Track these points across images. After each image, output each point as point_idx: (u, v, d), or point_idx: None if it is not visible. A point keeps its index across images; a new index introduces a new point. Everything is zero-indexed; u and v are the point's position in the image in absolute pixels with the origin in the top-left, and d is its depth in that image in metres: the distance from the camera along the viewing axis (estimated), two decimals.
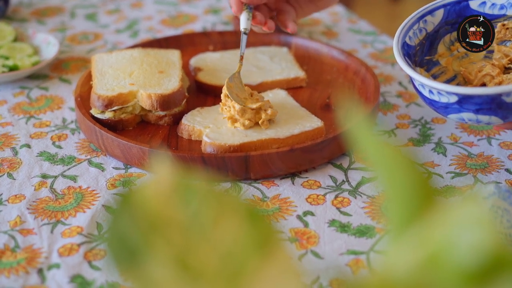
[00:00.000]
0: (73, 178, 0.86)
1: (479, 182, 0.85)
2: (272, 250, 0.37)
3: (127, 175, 0.87)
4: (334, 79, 1.07)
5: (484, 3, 0.87)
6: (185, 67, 1.08)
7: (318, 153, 0.87)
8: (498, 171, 0.87)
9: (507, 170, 0.87)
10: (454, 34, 0.89)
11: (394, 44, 0.82)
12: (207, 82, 1.03)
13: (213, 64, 1.08)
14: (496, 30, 0.86)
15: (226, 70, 1.06)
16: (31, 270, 0.71)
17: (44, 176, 0.86)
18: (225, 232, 0.36)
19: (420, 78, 0.78)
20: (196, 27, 1.32)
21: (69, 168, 0.88)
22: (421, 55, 0.87)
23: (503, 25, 0.86)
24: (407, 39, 0.84)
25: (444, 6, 0.88)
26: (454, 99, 0.76)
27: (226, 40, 1.18)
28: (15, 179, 0.86)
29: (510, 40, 0.87)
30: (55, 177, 0.86)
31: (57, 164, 0.89)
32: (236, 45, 1.17)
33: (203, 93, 1.03)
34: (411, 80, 0.82)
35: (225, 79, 1.03)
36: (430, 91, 0.78)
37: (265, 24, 0.96)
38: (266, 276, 0.36)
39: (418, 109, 1.02)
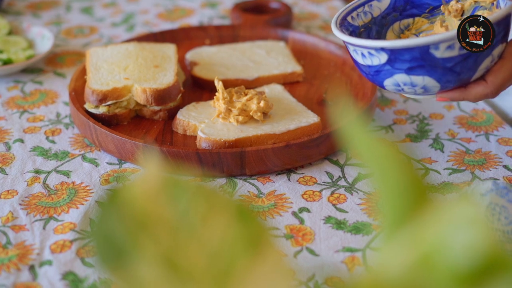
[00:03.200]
0: (67, 174, 0.85)
1: (477, 179, 0.84)
2: (263, 248, 0.36)
3: (121, 170, 0.86)
4: (331, 74, 1.06)
5: None
6: (181, 62, 1.07)
7: (314, 149, 0.86)
8: (496, 168, 0.86)
9: (505, 166, 0.87)
10: (404, 22, 0.88)
11: (333, 18, 0.82)
12: (203, 76, 1.02)
13: (209, 59, 1.07)
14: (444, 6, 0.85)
15: (222, 64, 1.05)
16: (22, 267, 0.70)
17: (37, 172, 0.85)
18: (214, 230, 0.35)
19: (348, 39, 0.77)
20: (193, 21, 1.31)
21: (62, 163, 0.87)
22: (367, 38, 0.85)
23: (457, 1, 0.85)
24: (348, 18, 0.83)
25: None
26: (384, 58, 0.75)
27: (223, 34, 1.17)
28: (7, 174, 0.85)
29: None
30: (48, 172, 0.85)
31: (50, 159, 0.88)
32: (232, 39, 1.16)
33: (199, 88, 1.02)
34: (350, 55, 0.81)
35: (221, 73, 1.02)
36: (363, 55, 0.77)
37: None
38: (256, 275, 0.35)
39: (416, 104, 1.01)
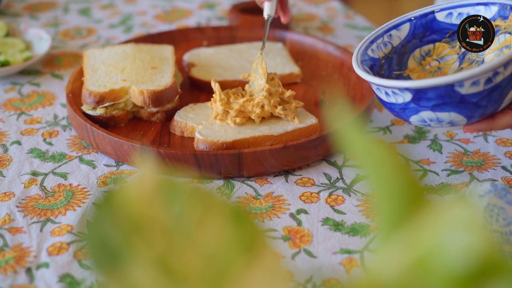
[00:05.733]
0: (64, 176, 0.85)
1: (475, 180, 0.84)
2: (258, 251, 0.36)
3: (118, 172, 0.86)
4: (329, 75, 1.06)
5: (450, 14, 0.86)
6: (179, 63, 1.06)
7: (312, 150, 0.86)
8: (494, 169, 0.86)
9: (503, 167, 0.86)
10: (425, 48, 0.88)
11: (354, 54, 0.82)
12: (201, 78, 1.02)
13: (207, 60, 1.07)
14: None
15: (220, 65, 1.05)
16: (19, 269, 0.70)
17: (35, 174, 0.85)
18: (209, 233, 0.35)
19: (372, 79, 0.76)
20: (191, 22, 1.31)
21: (59, 165, 0.87)
22: (389, 69, 0.85)
23: None
24: (369, 51, 0.83)
25: (409, 20, 0.87)
26: (408, 97, 0.74)
27: (220, 35, 1.17)
28: (4, 177, 0.85)
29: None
30: (46, 174, 0.85)
31: (47, 161, 0.88)
32: (230, 40, 1.15)
33: (196, 89, 1.02)
34: (373, 91, 0.81)
35: (218, 75, 1.02)
36: (386, 93, 0.76)
37: (284, 15, 1.01)
38: (252, 278, 0.35)
39: None
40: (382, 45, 0.85)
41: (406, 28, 0.87)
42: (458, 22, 0.85)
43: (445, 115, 0.75)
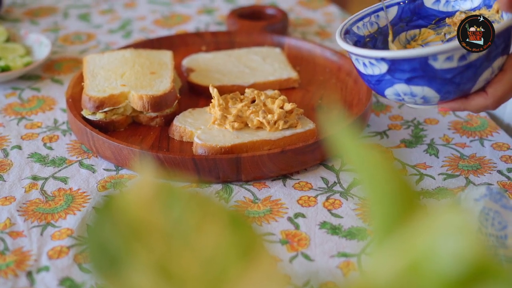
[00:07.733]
0: (64, 180, 0.86)
1: (471, 184, 0.85)
2: (256, 256, 0.37)
3: (118, 176, 0.87)
4: (326, 80, 1.07)
5: (438, 1, 0.88)
6: (178, 68, 1.07)
7: (310, 155, 0.87)
8: (490, 173, 0.87)
9: (499, 171, 0.87)
10: (410, 32, 0.89)
11: (338, 28, 0.83)
12: (199, 83, 1.03)
13: (206, 65, 1.07)
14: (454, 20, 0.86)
15: (218, 71, 1.06)
16: (20, 273, 0.71)
17: (35, 178, 0.86)
18: (207, 238, 0.36)
19: (350, 49, 0.78)
20: (189, 27, 1.32)
21: (60, 170, 0.88)
22: (373, 48, 0.86)
23: (460, 13, 0.86)
24: (354, 28, 0.85)
25: (398, 3, 0.89)
26: (384, 68, 0.76)
27: (219, 40, 1.18)
28: (5, 181, 0.85)
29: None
30: (46, 178, 0.86)
31: (48, 166, 0.89)
32: (228, 45, 1.16)
33: (195, 94, 1.03)
34: (353, 64, 0.82)
35: (217, 80, 1.03)
36: (364, 64, 0.78)
37: None
38: (250, 282, 0.36)
39: (411, 110, 1.02)
40: (368, 24, 0.86)
41: (394, 11, 0.88)
42: (445, 9, 0.87)
43: (418, 89, 0.76)
